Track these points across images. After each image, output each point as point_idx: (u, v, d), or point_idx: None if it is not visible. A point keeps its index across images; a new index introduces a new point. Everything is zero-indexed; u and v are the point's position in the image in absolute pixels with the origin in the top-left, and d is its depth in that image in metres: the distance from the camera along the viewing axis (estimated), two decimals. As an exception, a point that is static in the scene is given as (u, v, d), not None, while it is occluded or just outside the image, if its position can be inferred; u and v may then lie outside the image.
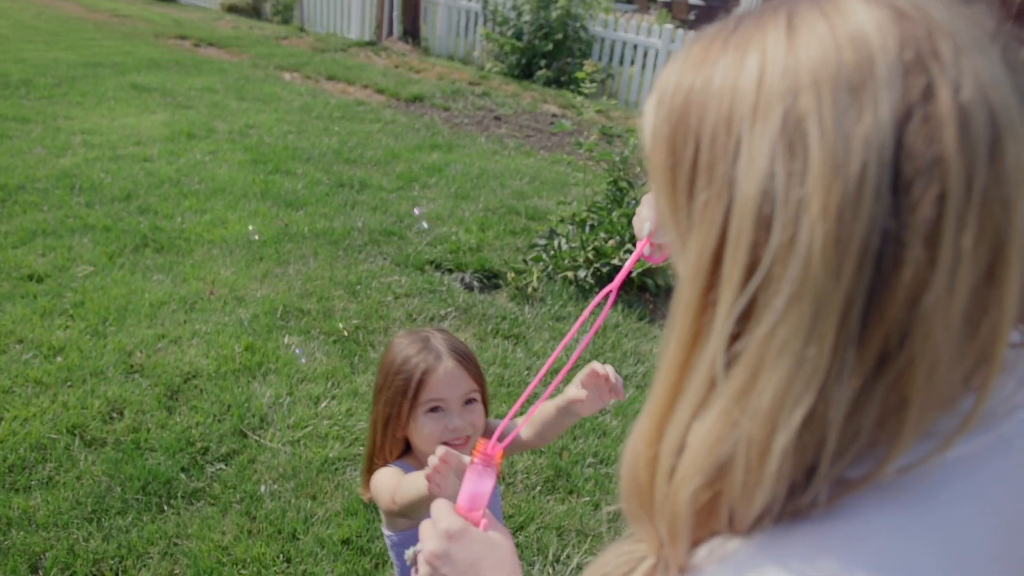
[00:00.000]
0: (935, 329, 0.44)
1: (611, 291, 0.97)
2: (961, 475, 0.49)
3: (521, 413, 1.38)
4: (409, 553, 1.18)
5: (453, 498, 0.89)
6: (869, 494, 0.48)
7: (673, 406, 0.53)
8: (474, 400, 1.45)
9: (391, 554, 1.54)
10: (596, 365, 1.33)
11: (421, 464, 1.45)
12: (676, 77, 0.53)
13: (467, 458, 1.11)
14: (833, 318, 0.45)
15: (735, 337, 0.48)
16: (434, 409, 1.42)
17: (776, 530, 0.50)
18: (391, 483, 1.40)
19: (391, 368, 1.45)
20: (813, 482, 0.49)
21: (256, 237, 3.61)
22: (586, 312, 1.00)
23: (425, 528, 0.84)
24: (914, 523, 0.47)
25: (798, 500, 0.49)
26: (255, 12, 14.01)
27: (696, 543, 0.54)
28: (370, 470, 1.51)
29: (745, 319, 0.48)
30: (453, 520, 0.82)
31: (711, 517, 0.52)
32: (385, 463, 1.48)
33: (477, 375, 1.46)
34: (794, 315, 0.45)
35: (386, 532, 1.53)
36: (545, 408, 1.43)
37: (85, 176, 5.25)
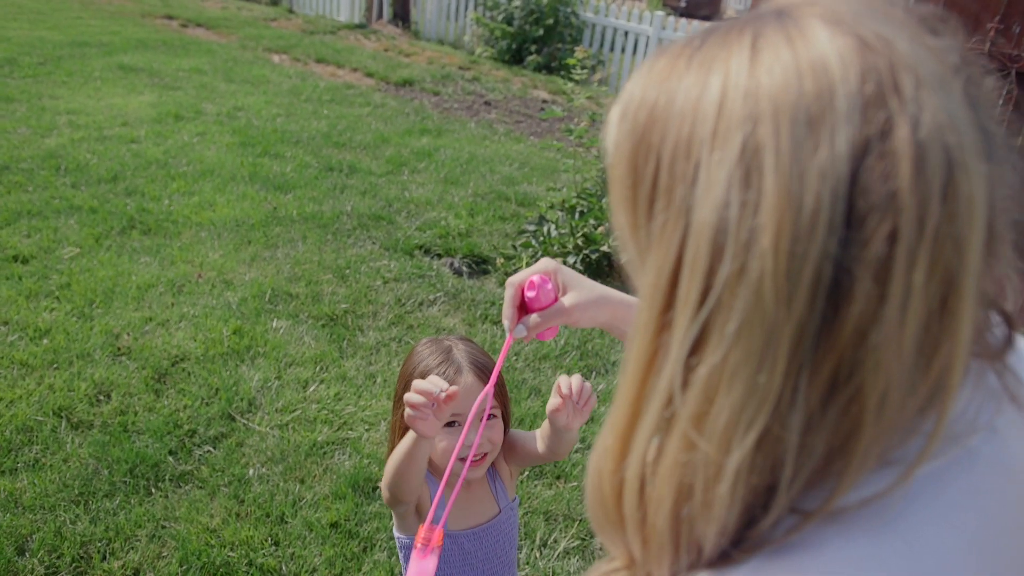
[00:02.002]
0: (885, 361, 0.45)
1: (488, 392, 1.10)
2: (927, 495, 0.50)
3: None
4: None
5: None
6: (836, 525, 0.48)
7: (635, 424, 0.54)
8: (493, 416, 1.41)
9: (400, 556, 1.55)
10: (561, 380, 1.30)
11: (438, 472, 1.46)
12: (641, 92, 0.53)
13: (443, 384, 1.19)
14: (784, 347, 0.45)
15: (691, 361, 0.49)
16: (452, 424, 1.39)
17: (746, 566, 0.50)
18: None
19: (410, 379, 1.40)
20: (773, 506, 0.49)
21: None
22: (473, 409, 1.13)
23: None
24: (882, 550, 0.47)
25: (760, 526, 0.50)
26: (243, -7, 13.85)
27: (673, 573, 0.54)
28: None
29: (701, 343, 0.48)
30: None
31: (684, 540, 0.52)
32: None
33: (497, 392, 1.41)
34: (745, 342, 0.46)
35: (397, 535, 1.52)
36: (545, 425, 1.43)
37: (71, 157, 5.20)
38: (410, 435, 1.27)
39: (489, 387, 1.08)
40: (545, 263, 1.04)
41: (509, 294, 1.03)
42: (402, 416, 1.43)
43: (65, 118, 5.99)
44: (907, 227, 0.43)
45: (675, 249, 0.48)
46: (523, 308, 1.04)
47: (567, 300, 1.02)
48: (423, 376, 1.39)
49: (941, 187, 0.44)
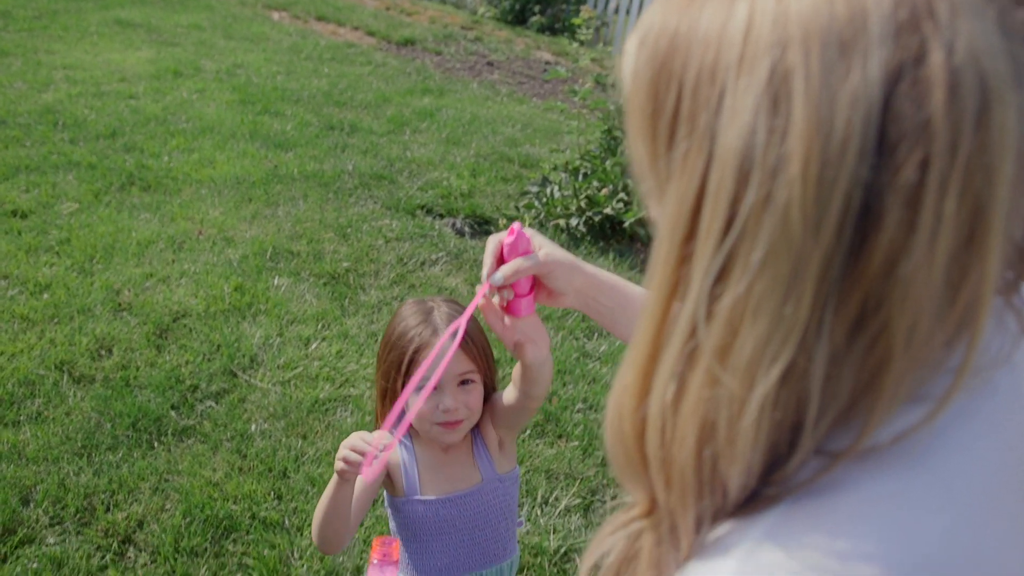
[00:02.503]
0: (913, 292, 0.44)
1: (459, 327, 1.08)
2: (953, 428, 0.49)
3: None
4: None
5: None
6: (865, 465, 0.48)
7: (656, 359, 0.52)
8: (471, 381, 1.37)
9: (388, 515, 1.54)
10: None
11: (419, 436, 1.43)
12: (661, 18, 0.51)
13: (377, 443, 1.18)
14: (811, 277, 0.44)
15: (715, 291, 0.47)
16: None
17: (774, 511, 0.49)
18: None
19: (389, 339, 1.40)
20: (800, 445, 0.48)
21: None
22: (437, 347, 1.13)
23: None
24: (912, 485, 0.47)
25: (786, 467, 0.49)
26: (242, -52, 13.61)
27: (698, 520, 0.52)
28: None
29: (724, 274, 0.47)
30: None
31: (708, 480, 0.51)
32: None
33: (478, 355, 1.36)
34: (770, 273, 0.44)
35: (385, 493, 1.52)
36: (516, 369, 1.35)
37: (68, 112, 5.13)
38: (332, 483, 1.30)
39: (462, 320, 1.06)
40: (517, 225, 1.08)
41: (490, 247, 1.05)
42: (381, 381, 1.41)
43: (62, 73, 5.91)
44: (939, 155, 0.42)
45: (698, 177, 0.47)
46: (502, 262, 1.05)
47: (542, 253, 1.03)
48: (402, 336, 1.36)
49: (974, 115, 0.42)
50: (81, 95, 5.49)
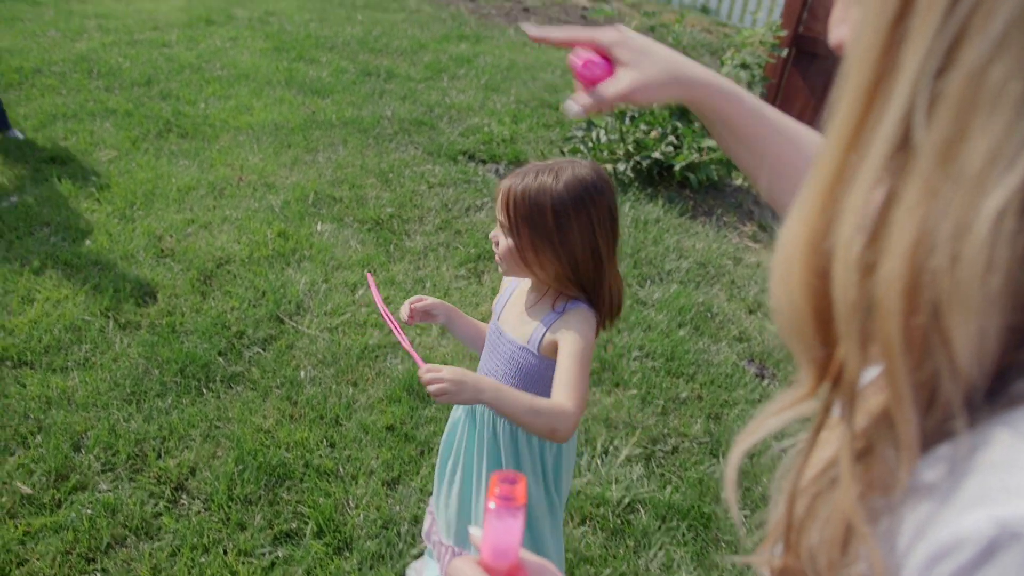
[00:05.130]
0: None
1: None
2: None
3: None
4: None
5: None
6: None
7: (846, 179, 0.40)
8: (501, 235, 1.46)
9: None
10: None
11: None
12: None
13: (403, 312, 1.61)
14: None
15: (939, 78, 0.36)
16: None
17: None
18: None
19: None
20: None
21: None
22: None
23: None
24: None
25: None
26: None
27: (920, 404, 0.39)
28: None
29: (952, 54, 0.36)
30: None
31: (927, 342, 0.38)
32: None
33: (511, 213, 1.38)
34: (1017, 45, 0.34)
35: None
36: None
37: (103, 60, 5.05)
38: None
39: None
40: (607, 32, 0.87)
41: (579, 35, 0.89)
42: None
43: (94, 22, 5.82)
44: None
45: None
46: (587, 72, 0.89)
47: (615, 85, 0.85)
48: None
49: None
50: (114, 44, 5.40)
